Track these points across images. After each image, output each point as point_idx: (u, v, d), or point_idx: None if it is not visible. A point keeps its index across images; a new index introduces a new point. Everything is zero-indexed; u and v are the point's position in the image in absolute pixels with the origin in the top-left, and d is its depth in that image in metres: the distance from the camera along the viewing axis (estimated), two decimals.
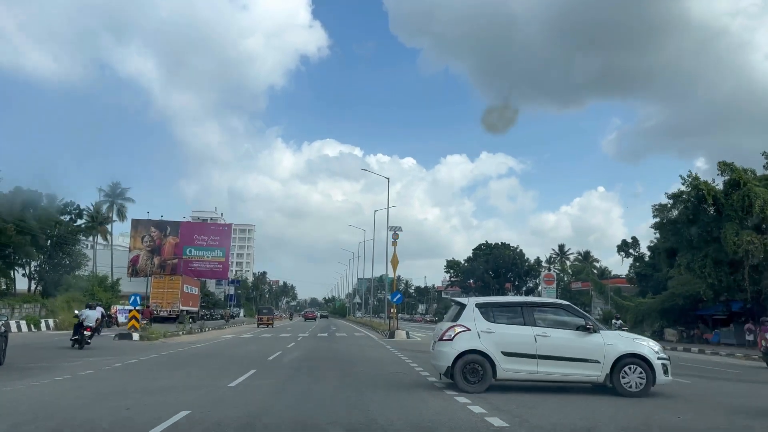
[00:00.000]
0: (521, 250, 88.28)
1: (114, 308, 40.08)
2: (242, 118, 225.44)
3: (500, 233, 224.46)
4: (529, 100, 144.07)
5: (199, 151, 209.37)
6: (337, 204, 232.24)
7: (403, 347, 23.14)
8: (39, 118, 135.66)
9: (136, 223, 77.36)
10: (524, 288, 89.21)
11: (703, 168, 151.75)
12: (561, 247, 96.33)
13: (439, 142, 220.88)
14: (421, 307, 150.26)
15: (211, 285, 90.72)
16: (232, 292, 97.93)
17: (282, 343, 25.13)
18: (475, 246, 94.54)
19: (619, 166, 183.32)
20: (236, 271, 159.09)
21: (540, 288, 71.39)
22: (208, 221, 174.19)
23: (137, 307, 28.20)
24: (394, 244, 32.64)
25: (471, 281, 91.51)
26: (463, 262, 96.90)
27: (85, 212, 61.80)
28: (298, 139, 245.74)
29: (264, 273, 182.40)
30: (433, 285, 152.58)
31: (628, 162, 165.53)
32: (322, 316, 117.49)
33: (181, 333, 29.61)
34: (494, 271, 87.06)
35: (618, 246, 57.91)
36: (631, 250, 56.24)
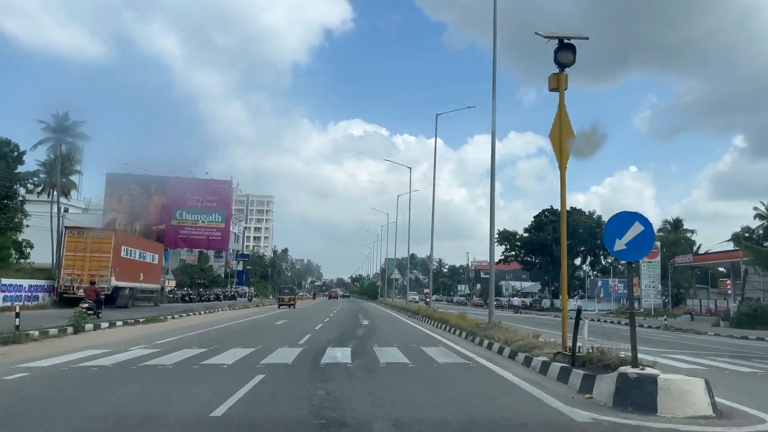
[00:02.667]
0: (599, 217, 69.58)
1: None
2: (267, 97, 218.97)
3: (528, 213, 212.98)
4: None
5: (223, 130, 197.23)
6: (363, 184, 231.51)
7: None
8: (64, 100, 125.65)
9: (112, 179, 60.94)
10: (599, 266, 70.71)
11: (741, 146, 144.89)
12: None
13: (466, 121, 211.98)
14: (461, 288, 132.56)
15: (218, 260, 74.46)
16: (239, 267, 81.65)
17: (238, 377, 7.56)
18: (537, 213, 76.07)
19: (653, 144, 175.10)
20: (254, 246, 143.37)
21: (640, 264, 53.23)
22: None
23: None
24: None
25: (533, 257, 73.30)
26: (521, 233, 78.61)
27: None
28: (323, 119, 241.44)
29: (285, 250, 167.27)
30: (473, 262, 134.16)
31: (661, 140, 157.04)
32: (343, 296, 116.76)
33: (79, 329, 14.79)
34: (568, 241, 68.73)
35: None
36: None
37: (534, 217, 76.06)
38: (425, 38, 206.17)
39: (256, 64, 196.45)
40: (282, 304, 43.68)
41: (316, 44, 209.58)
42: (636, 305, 62.04)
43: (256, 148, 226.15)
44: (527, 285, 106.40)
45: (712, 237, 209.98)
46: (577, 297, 70.30)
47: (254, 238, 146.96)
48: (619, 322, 35.96)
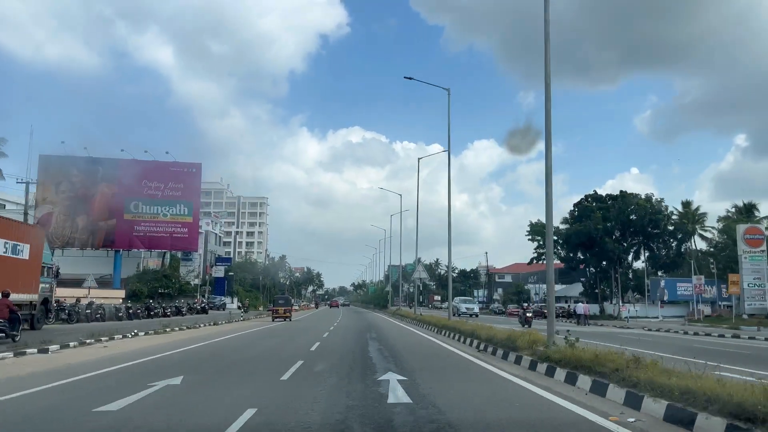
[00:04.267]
0: (660, 201, 56.04)
1: None
2: (264, 106, 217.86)
3: (530, 218, 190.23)
4: (559, 77, 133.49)
5: (221, 140, 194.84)
6: (363, 192, 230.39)
7: None
8: (59, 112, 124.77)
9: (47, 163, 47.76)
10: (660, 261, 57.04)
11: (743, 145, 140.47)
12: (686, 204, 63.92)
13: (466, 126, 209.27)
14: (478, 293, 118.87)
15: (186, 262, 60.94)
16: (219, 273, 68.19)
17: None
18: (578, 201, 62.57)
19: (654, 145, 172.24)
20: (246, 252, 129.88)
21: (739, 253, 39.62)
22: (210, 193, 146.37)
23: None
24: None
25: (577, 253, 59.73)
26: (559, 225, 65.12)
27: None
28: (322, 127, 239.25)
29: (283, 257, 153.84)
30: (487, 268, 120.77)
31: (662, 141, 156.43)
32: (343, 305, 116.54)
33: None
34: (620, 231, 55.28)
35: None
36: None
37: (574, 205, 62.55)
38: (422, 42, 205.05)
39: (252, 72, 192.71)
40: (277, 317, 38.14)
41: (313, 51, 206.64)
42: (729, 310, 49.00)
43: (254, 157, 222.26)
44: (558, 288, 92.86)
45: None
46: (631, 301, 56.70)
47: (247, 243, 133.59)
48: (721, 336, 28.07)
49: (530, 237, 67.63)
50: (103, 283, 48.39)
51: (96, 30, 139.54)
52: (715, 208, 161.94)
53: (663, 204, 55.32)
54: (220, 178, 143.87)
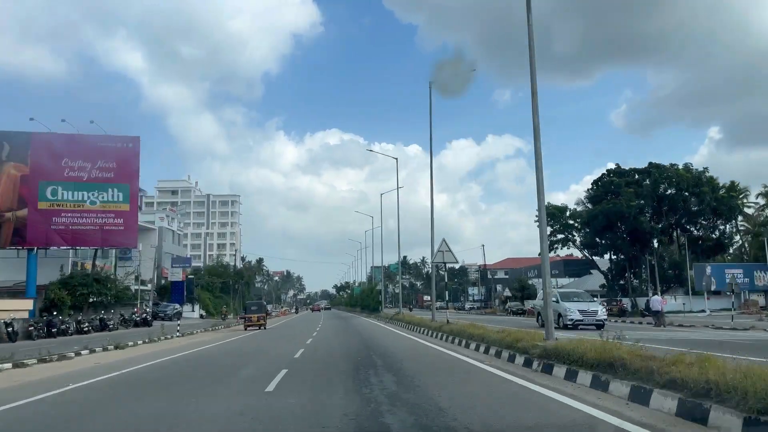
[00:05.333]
0: (703, 171, 46.56)
1: None
2: (239, 110, 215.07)
3: (509, 216, 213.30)
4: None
5: (196, 145, 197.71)
6: (342, 194, 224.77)
7: None
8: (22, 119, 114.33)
9: None
10: (705, 244, 47.73)
11: (717, 138, 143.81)
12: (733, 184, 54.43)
13: (443, 126, 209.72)
14: (473, 291, 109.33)
15: (123, 262, 49.88)
16: (177, 277, 57.30)
17: None
18: (597, 177, 53.12)
19: (630, 139, 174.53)
20: (218, 255, 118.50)
21: None
22: (177, 192, 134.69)
23: None
24: None
25: (602, 239, 50.21)
26: (573, 208, 55.81)
27: None
28: (299, 130, 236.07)
29: (260, 260, 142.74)
30: (484, 264, 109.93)
31: (638, 135, 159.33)
32: (325, 308, 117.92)
33: None
34: (653, 209, 45.85)
35: None
36: None
37: (594, 182, 53.15)
38: (397, 41, 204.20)
39: (226, 75, 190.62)
40: (250, 325, 33.61)
41: (287, 52, 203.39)
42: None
43: (230, 162, 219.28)
44: (564, 282, 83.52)
45: None
46: (666, 292, 47.39)
47: (218, 245, 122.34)
48: None
49: (537, 223, 57.90)
50: (18, 291, 37.67)
51: (62, 35, 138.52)
52: None
53: (706, 174, 45.94)
54: (188, 176, 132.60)
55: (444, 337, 17.94)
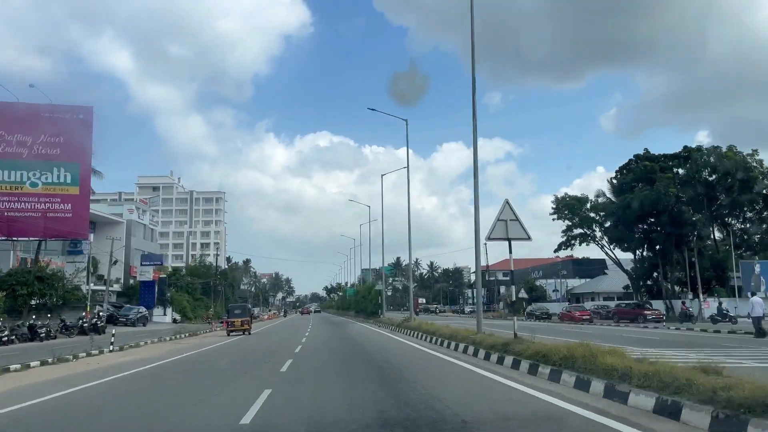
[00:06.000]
0: (752, 154, 40.40)
1: None
2: (229, 111, 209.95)
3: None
4: (525, 73, 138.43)
5: (184, 148, 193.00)
6: (332, 196, 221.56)
7: None
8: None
9: None
10: (752, 239, 41.73)
11: (705, 142, 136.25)
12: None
13: (434, 129, 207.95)
14: (472, 294, 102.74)
15: (72, 256, 43.04)
16: (147, 276, 50.43)
17: None
18: (624, 164, 46.93)
19: (619, 143, 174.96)
20: (201, 255, 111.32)
21: None
22: (158, 188, 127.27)
23: None
24: None
25: (635, 231, 43.93)
26: (594, 199, 49.59)
27: None
28: (289, 132, 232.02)
29: (247, 261, 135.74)
30: (487, 264, 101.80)
31: (627, 138, 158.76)
32: (315, 312, 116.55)
33: None
34: (692, 198, 39.64)
35: None
36: None
37: (620, 170, 46.96)
38: (388, 43, 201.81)
39: (215, 76, 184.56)
40: (233, 330, 31.21)
41: (277, 53, 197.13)
42: None
43: (219, 164, 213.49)
44: (576, 283, 77.48)
45: None
46: (706, 294, 41.29)
47: (202, 245, 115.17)
48: None
49: (557, 216, 51.73)
50: None
51: (48, 34, 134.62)
52: None
53: (756, 158, 39.86)
54: (170, 172, 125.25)
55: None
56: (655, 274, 47.05)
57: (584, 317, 39.82)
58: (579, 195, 50.12)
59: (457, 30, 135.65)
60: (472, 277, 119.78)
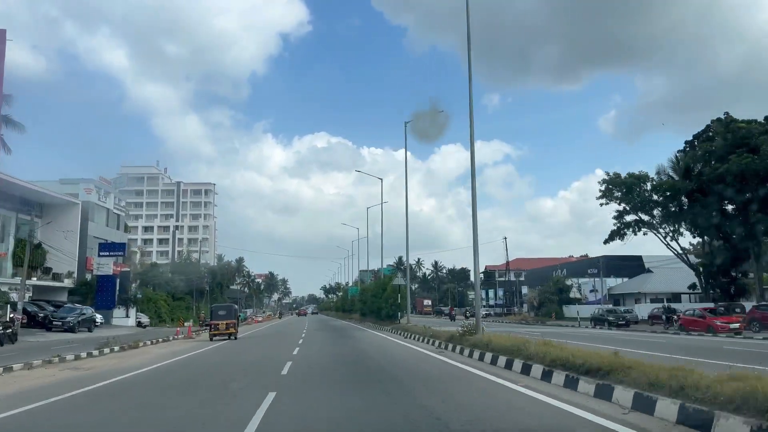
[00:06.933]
0: None
1: None
2: (225, 112, 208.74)
3: (497, 221, 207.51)
4: (523, 75, 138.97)
5: (181, 148, 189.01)
6: (330, 197, 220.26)
7: None
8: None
9: None
10: None
11: None
12: None
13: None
14: (489, 294, 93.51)
15: None
16: (106, 269, 41.02)
17: None
18: (697, 133, 37.72)
19: (617, 145, 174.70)
20: (188, 251, 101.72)
21: None
22: (143, 179, 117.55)
23: None
24: None
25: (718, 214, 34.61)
26: (657, 176, 40.29)
27: None
28: (287, 132, 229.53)
29: (240, 260, 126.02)
30: (507, 262, 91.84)
31: (626, 141, 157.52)
32: (312, 314, 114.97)
33: None
34: None
35: None
36: None
37: (693, 139, 37.77)
38: (386, 43, 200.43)
39: (211, 75, 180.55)
40: (216, 334, 28.14)
41: (274, 53, 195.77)
42: None
43: (216, 165, 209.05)
44: (611, 283, 67.81)
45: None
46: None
47: (189, 240, 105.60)
48: None
49: (606, 200, 42.43)
50: None
51: (43, 31, 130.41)
52: None
53: None
54: (156, 162, 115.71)
55: None
56: (733, 270, 37.89)
57: (730, 326, 27.00)
58: (636, 172, 40.77)
59: (456, 30, 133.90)
60: (482, 276, 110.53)
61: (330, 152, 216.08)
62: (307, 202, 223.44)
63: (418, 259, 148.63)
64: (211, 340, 27.33)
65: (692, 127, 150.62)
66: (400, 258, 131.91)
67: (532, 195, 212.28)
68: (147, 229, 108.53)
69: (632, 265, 66.67)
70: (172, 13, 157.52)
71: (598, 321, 38.99)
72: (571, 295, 61.38)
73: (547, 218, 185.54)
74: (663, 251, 45.72)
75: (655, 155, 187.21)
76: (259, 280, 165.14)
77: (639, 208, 41.21)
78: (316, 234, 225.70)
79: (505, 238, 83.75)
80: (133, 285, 58.64)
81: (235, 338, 28.20)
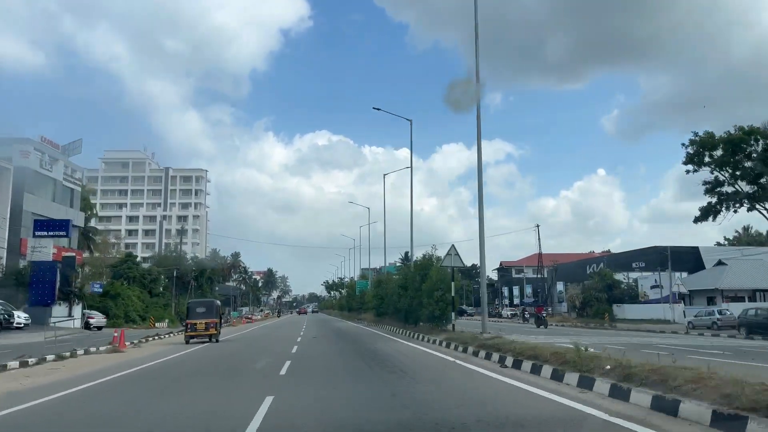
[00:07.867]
0: None
1: None
2: (226, 109, 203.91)
3: (498, 221, 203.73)
4: (526, 73, 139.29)
5: (180, 145, 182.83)
6: (331, 196, 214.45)
7: None
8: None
9: None
10: None
11: None
12: None
13: (434, 129, 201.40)
14: (515, 293, 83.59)
15: None
16: (44, 255, 31.23)
17: None
18: None
19: (620, 145, 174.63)
20: (175, 244, 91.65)
21: None
22: (128, 164, 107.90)
23: None
24: None
25: None
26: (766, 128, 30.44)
27: None
28: (289, 131, 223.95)
29: (237, 254, 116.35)
30: (539, 254, 78.17)
31: (629, 140, 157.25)
32: (312, 312, 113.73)
33: None
34: None
35: None
36: None
37: None
38: (388, 40, 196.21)
39: (211, 71, 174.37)
40: (194, 336, 24.27)
41: (276, 49, 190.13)
42: None
43: (216, 162, 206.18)
44: (666, 279, 57.74)
45: (700, 234, 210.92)
46: None
47: (177, 231, 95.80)
48: None
49: (694, 167, 32.56)
50: None
51: (41, 26, 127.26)
52: (679, 208, 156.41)
53: None
54: (143, 147, 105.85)
55: None
56: None
57: None
58: (746, 127, 30.90)
59: (458, 27, 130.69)
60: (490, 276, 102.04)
61: (331, 150, 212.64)
62: (308, 200, 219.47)
63: (425, 255, 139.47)
64: (186, 342, 23.76)
65: (697, 126, 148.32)
66: (406, 254, 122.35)
67: (533, 195, 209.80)
68: (131, 219, 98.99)
69: (688, 258, 56.82)
70: (170, 8, 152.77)
71: (712, 326, 28.78)
72: (639, 291, 51.78)
73: (548, 218, 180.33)
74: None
75: (657, 155, 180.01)
76: (257, 277, 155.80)
77: (742, 176, 31.41)
78: (317, 232, 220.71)
79: (538, 226, 71.82)
80: (104, 278, 49.13)
81: (217, 341, 24.64)
